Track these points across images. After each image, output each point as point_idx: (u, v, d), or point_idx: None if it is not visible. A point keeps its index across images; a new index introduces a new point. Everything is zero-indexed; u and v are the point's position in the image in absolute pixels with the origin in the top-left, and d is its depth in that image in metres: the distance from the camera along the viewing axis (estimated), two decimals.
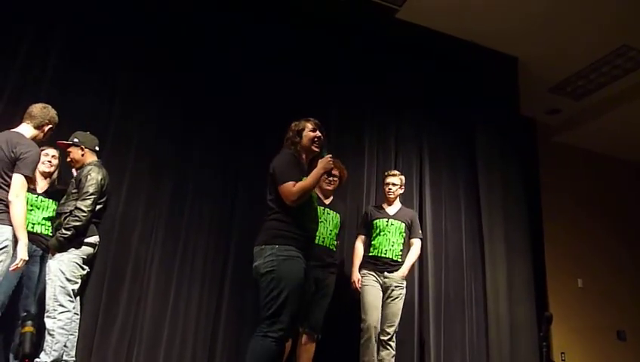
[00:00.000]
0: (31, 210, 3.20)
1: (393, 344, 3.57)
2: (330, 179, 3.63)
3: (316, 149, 2.73)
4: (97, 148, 3.31)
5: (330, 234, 3.54)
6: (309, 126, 2.75)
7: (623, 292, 6.18)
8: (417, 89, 4.99)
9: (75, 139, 3.23)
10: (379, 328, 3.54)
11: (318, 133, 2.75)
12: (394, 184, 3.83)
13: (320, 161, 2.63)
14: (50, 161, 3.34)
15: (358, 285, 3.64)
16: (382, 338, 3.55)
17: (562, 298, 5.77)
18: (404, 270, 3.67)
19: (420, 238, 3.86)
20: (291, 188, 2.51)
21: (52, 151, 3.34)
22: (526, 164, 5.36)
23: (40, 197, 3.29)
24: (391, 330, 3.56)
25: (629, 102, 5.62)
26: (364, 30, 4.80)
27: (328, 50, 4.66)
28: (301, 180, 2.55)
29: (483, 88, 5.14)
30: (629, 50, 4.99)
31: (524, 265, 4.76)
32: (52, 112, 2.98)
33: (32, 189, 3.23)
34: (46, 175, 3.35)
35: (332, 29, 4.70)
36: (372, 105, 4.82)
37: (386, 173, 3.98)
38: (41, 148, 3.25)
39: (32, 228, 3.17)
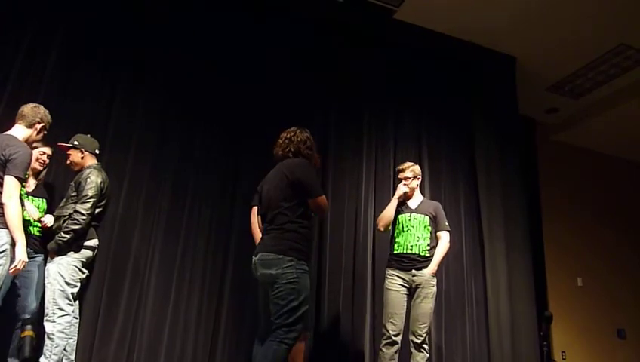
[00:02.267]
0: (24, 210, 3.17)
1: (427, 346, 3.34)
2: None
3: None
4: (97, 152, 3.29)
5: None
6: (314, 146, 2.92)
7: (623, 291, 6.20)
8: (416, 88, 4.99)
9: (75, 142, 3.21)
10: (401, 335, 3.34)
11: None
12: (406, 178, 3.61)
13: None
14: (45, 160, 3.31)
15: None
16: (415, 341, 3.32)
17: (562, 297, 5.78)
18: (432, 267, 3.40)
19: (448, 230, 3.58)
20: (325, 201, 2.70)
21: (47, 150, 3.31)
22: (525, 163, 5.37)
23: (31, 196, 3.25)
24: (422, 332, 3.31)
25: (627, 100, 5.63)
26: (363, 30, 4.80)
27: (327, 50, 4.66)
28: None
29: (482, 88, 5.14)
30: (627, 49, 5.00)
31: (524, 264, 4.75)
32: (43, 111, 2.94)
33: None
34: (36, 172, 3.31)
35: (330, 30, 4.69)
36: (370, 106, 4.82)
37: (397, 169, 3.79)
38: (37, 145, 3.23)
39: (25, 229, 3.14)
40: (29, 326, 2.98)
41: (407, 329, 3.41)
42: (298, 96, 4.39)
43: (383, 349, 3.31)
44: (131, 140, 3.86)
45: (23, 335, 2.98)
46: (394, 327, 3.31)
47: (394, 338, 3.30)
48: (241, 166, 4.14)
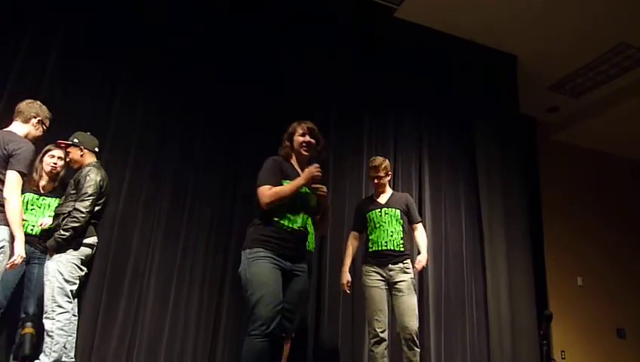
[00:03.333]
0: (31, 210, 3.19)
1: (417, 341, 3.24)
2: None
3: (305, 153, 2.66)
4: (97, 150, 3.30)
5: None
6: (299, 130, 2.69)
7: (623, 291, 6.19)
8: (416, 88, 4.99)
9: (75, 140, 3.22)
10: (387, 330, 3.30)
11: (307, 138, 2.66)
12: (379, 177, 3.55)
13: (306, 169, 2.54)
14: (55, 163, 3.32)
15: (347, 288, 3.44)
16: (406, 337, 3.22)
17: (562, 296, 5.78)
18: (425, 256, 3.41)
19: (420, 221, 3.60)
20: (265, 191, 2.49)
21: (58, 153, 3.32)
22: (526, 163, 5.36)
23: (42, 197, 3.28)
24: (412, 325, 3.23)
25: (627, 99, 5.63)
26: (363, 30, 4.80)
27: (327, 49, 4.65)
28: (281, 185, 2.51)
29: (482, 87, 5.14)
30: (628, 48, 5.00)
31: (525, 263, 4.75)
32: (38, 105, 2.93)
33: (34, 190, 3.24)
34: (51, 175, 3.34)
35: (331, 29, 4.69)
36: (371, 105, 4.82)
37: (370, 165, 3.64)
38: (47, 148, 3.26)
39: (31, 230, 3.17)
40: (29, 324, 2.99)
41: (391, 327, 3.37)
42: (297, 96, 4.39)
43: (373, 349, 3.25)
44: (131, 140, 3.87)
45: (23, 333, 2.99)
46: (380, 324, 3.26)
47: (381, 335, 3.25)
48: (241, 166, 4.14)
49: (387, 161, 3.66)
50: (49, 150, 3.28)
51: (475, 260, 4.72)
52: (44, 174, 3.30)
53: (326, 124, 4.55)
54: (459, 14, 4.67)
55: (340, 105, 4.66)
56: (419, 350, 3.25)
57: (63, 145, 3.23)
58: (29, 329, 2.97)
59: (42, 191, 3.29)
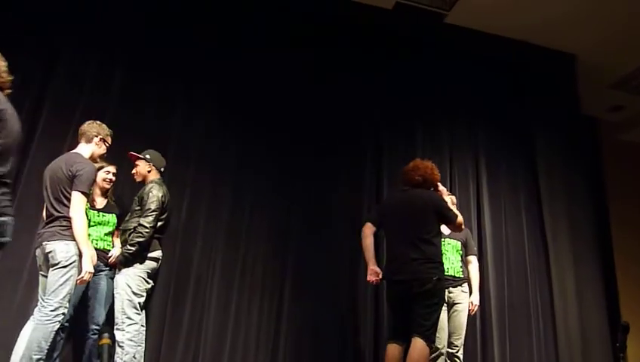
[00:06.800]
0: (93, 226, 3.34)
1: (461, 356, 3.60)
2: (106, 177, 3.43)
3: None
4: (162, 170, 3.44)
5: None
6: None
7: None
8: (471, 94, 4.87)
9: (147, 156, 3.38)
10: (445, 346, 3.56)
11: None
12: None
13: None
14: (111, 179, 3.47)
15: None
16: (450, 351, 3.58)
17: (636, 306, 5.43)
18: (476, 297, 3.74)
19: (476, 255, 3.94)
20: None
21: (112, 169, 3.48)
22: (590, 166, 5.12)
23: (101, 213, 3.41)
24: (459, 343, 3.62)
25: None
26: (414, 38, 4.75)
27: (379, 59, 4.63)
28: None
29: (540, 89, 4.97)
30: None
31: (593, 272, 4.55)
32: (98, 124, 3.11)
33: (92, 206, 3.38)
34: (104, 191, 3.48)
35: (382, 39, 4.67)
36: (425, 113, 4.74)
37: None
38: (102, 165, 3.39)
39: (96, 244, 3.29)
40: (105, 335, 3.10)
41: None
42: (349, 105, 4.39)
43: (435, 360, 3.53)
44: (192, 153, 3.97)
45: (100, 344, 3.09)
46: (441, 341, 3.53)
47: (441, 350, 3.52)
48: (297, 175, 4.16)
49: (454, 196, 4.02)
50: (103, 167, 3.41)
51: (540, 269, 4.53)
52: (97, 190, 3.43)
53: (377, 133, 4.53)
54: (511, 15, 4.54)
55: (391, 115, 4.60)
56: None
57: (133, 156, 3.38)
58: (106, 339, 3.07)
59: (97, 207, 3.42)
